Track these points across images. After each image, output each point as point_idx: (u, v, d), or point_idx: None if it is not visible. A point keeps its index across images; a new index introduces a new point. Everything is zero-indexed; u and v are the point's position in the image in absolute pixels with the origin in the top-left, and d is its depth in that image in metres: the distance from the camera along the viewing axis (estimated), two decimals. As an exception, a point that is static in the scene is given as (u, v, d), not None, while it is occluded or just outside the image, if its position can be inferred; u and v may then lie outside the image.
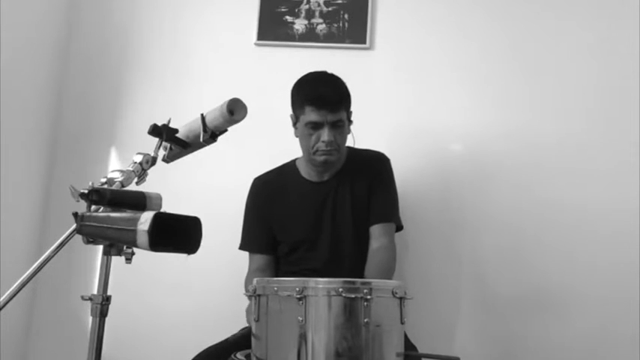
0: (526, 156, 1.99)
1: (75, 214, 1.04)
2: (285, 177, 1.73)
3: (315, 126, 1.56)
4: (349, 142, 1.70)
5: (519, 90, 2.03)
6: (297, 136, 1.65)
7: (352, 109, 1.65)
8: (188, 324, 1.98)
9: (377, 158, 1.73)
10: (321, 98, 1.56)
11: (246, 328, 1.43)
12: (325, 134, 1.55)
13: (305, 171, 1.70)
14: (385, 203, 1.70)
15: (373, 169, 1.71)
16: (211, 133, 1.23)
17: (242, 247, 1.71)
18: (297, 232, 1.66)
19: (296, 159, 1.75)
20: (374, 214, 1.67)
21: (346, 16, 2.12)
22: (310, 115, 1.56)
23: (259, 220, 1.70)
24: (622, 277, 1.87)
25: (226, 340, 1.41)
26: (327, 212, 1.66)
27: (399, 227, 1.73)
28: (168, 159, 1.27)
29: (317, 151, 1.59)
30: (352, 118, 1.66)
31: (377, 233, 1.65)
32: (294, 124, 1.65)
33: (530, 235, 1.95)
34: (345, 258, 1.63)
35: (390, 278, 1.58)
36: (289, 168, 1.74)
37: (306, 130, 1.58)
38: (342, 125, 1.59)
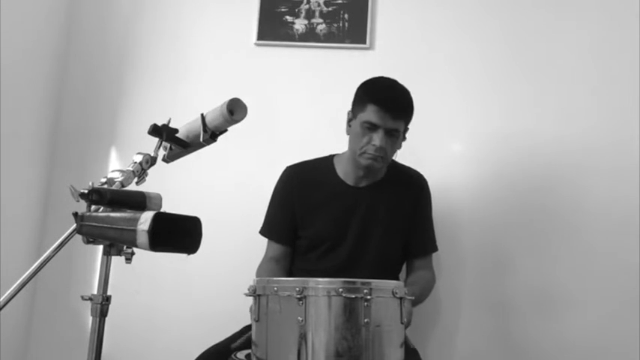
0: (527, 156, 1.99)
1: (75, 214, 1.04)
2: (319, 172, 1.70)
3: (371, 127, 1.52)
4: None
5: (520, 90, 2.03)
6: (348, 134, 1.63)
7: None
8: (188, 324, 1.98)
9: (420, 179, 1.73)
10: (387, 101, 1.52)
11: (246, 328, 1.42)
12: (378, 138, 1.52)
13: (342, 171, 1.67)
14: (428, 236, 1.72)
15: (416, 191, 1.70)
16: (211, 133, 1.22)
17: (262, 232, 1.71)
18: (320, 230, 1.64)
19: (333, 156, 1.72)
20: (417, 247, 1.69)
21: (346, 16, 2.12)
22: (370, 114, 1.52)
23: (285, 208, 1.68)
24: (622, 277, 1.87)
25: (232, 338, 1.41)
26: (357, 217, 1.63)
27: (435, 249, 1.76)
28: (168, 159, 1.27)
29: (364, 153, 1.55)
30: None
31: (419, 265, 1.69)
32: (349, 121, 1.61)
33: (531, 235, 1.95)
34: (364, 266, 1.61)
35: (424, 297, 1.62)
36: (325, 163, 1.71)
37: (360, 129, 1.54)
38: (396, 136, 1.56)
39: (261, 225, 1.72)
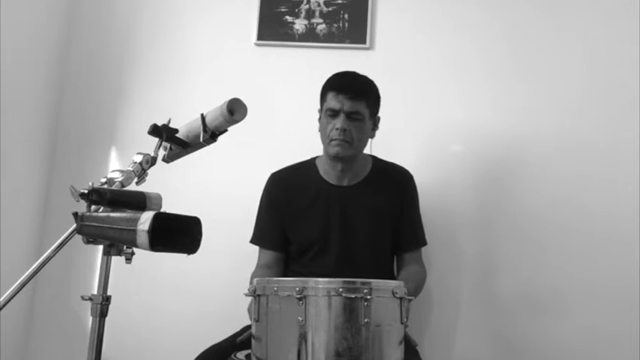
0: (526, 156, 1.99)
1: (75, 214, 1.04)
2: (302, 174, 1.70)
3: (333, 114, 1.56)
4: (367, 150, 1.69)
5: (519, 89, 2.03)
6: (319, 131, 1.64)
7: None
8: (188, 324, 1.98)
9: (404, 175, 1.71)
10: (342, 84, 1.57)
11: (246, 327, 1.43)
12: (340, 121, 1.54)
13: (324, 170, 1.67)
14: (417, 230, 1.71)
15: (401, 186, 1.69)
16: (211, 133, 1.23)
17: (253, 241, 1.71)
18: (308, 233, 1.64)
19: (316, 157, 1.72)
20: (406, 241, 1.68)
21: (346, 16, 2.12)
22: (330, 101, 1.56)
23: (272, 215, 1.68)
24: (622, 277, 1.87)
25: (232, 338, 1.41)
26: (342, 217, 1.62)
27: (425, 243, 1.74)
28: (168, 159, 1.27)
29: (331, 140, 1.56)
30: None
31: (409, 259, 1.68)
32: (319, 119, 1.64)
33: (530, 234, 1.95)
34: (358, 267, 1.60)
35: (418, 292, 1.61)
36: (308, 166, 1.71)
37: (325, 119, 1.58)
38: (360, 119, 1.56)
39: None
